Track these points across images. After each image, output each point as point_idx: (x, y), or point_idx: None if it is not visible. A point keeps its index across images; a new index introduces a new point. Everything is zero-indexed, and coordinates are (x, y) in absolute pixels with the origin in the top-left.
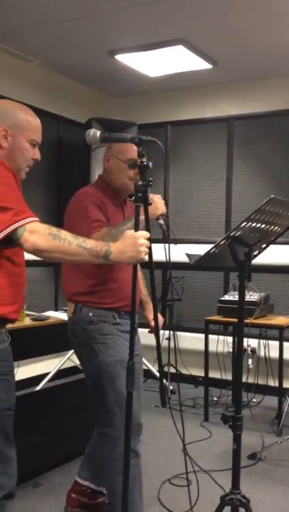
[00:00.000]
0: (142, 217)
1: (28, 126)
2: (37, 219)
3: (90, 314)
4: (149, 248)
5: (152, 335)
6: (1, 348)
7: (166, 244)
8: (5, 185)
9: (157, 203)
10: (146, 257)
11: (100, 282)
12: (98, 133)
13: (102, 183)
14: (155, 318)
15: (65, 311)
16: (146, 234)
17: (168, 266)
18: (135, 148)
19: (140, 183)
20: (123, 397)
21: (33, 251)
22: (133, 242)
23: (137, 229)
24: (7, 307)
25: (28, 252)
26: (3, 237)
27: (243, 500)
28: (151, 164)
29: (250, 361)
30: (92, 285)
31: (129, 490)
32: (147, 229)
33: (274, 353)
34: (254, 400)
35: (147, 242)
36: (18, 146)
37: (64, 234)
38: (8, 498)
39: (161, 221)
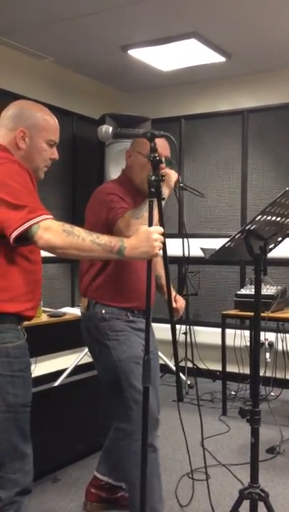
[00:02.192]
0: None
1: (45, 126)
2: (51, 216)
3: (103, 311)
4: (164, 243)
5: (168, 331)
6: (17, 344)
7: (183, 239)
8: (19, 183)
9: (168, 174)
10: (161, 252)
11: (112, 282)
12: (110, 129)
13: (124, 178)
14: (170, 314)
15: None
16: (161, 229)
17: (184, 260)
18: (160, 143)
19: (153, 178)
20: (139, 393)
21: (48, 248)
22: (147, 237)
23: (150, 224)
24: (23, 304)
25: (43, 249)
26: (17, 235)
27: (262, 494)
28: (164, 159)
29: (267, 355)
30: (105, 284)
31: (149, 484)
32: (161, 224)
33: None
34: (272, 393)
35: (161, 237)
36: (36, 146)
37: (78, 230)
38: (23, 494)
39: (180, 185)
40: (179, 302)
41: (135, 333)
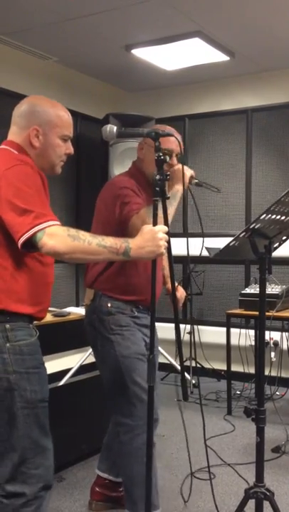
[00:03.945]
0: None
1: (59, 122)
2: (58, 222)
3: (109, 305)
4: (168, 242)
5: (173, 330)
6: (30, 341)
7: (186, 238)
8: (29, 186)
9: (180, 171)
10: (165, 251)
11: (121, 275)
12: (115, 128)
13: (135, 170)
14: (175, 314)
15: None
16: (165, 228)
17: (188, 260)
18: (171, 140)
19: (158, 177)
20: (141, 389)
21: (53, 254)
22: (152, 236)
23: (155, 223)
24: (33, 307)
25: (49, 255)
26: (24, 241)
27: (267, 493)
28: (168, 158)
29: (272, 354)
30: (114, 277)
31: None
32: (166, 223)
33: None
34: (277, 392)
35: (166, 236)
36: (50, 143)
37: (83, 234)
38: (46, 489)
39: (195, 181)
40: (180, 292)
41: (139, 329)
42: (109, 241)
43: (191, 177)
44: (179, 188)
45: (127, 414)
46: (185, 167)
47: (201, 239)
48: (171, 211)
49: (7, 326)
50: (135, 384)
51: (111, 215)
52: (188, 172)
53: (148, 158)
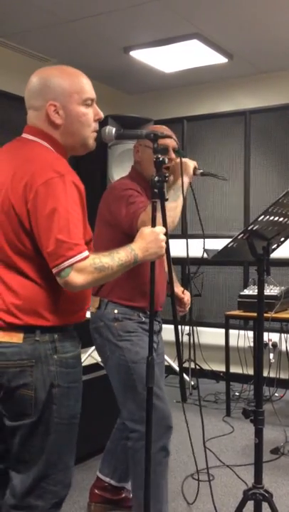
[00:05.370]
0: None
1: (73, 88)
2: (86, 253)
3: (116, 311)
4: (167, 243)
5: (172, 332)
6: (76, 353)
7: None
8: (65, 207)
9: (183, 163)
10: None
11: (127, 282)
12: (113, 130)
13: (135, 173)
14: (174, 315)
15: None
16: (164, 229)
17: (187, 261)
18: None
19: (156, 178)
20: (154, 395)
21: (80, 289)
22: (155, 238)
23: (154, 225)
24: (77, 314)
25: (74, 291)
26: (56, 272)
27: (266, 494)
28: (167, 160)
29: (271, 355)
30: (120, 283)
31: (159, 487)
32: (164, 225)
33: None
34: (276, 394)
35: (165, 238)
36: (73, 114)
37: (106, 262)
38: (57, 506)
39: (200, 171)
40: (186, 296)
41: (147, 334)
42: (123, 257)
43: (195, 168)
44: (185, 180)
45: (139, 420)
46: (187, 159)
47: (199, 240)
48: (179, 203)
49: (56, 336)
50: (146, 390)
51: (117, 217)
52: (191, 163)
53: (145, 158)
